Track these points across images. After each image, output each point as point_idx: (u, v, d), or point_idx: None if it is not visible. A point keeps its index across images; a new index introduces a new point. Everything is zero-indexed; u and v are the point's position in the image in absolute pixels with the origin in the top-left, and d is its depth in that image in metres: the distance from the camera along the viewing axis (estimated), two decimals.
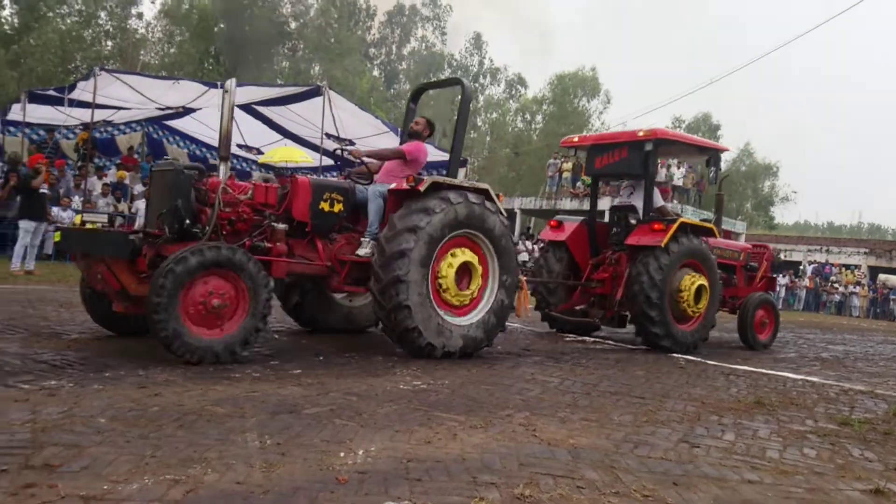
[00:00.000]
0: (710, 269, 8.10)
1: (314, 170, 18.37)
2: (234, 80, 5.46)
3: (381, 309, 5.63)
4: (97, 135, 17.69)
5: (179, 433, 3.04)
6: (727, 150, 9.70)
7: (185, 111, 17.64)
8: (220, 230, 5.25)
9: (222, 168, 5.54)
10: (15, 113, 17.25)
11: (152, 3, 37.58)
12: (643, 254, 7.74)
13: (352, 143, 18.87)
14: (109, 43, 36.39)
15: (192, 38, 36.30)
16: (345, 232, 6.00)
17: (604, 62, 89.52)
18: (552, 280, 8.71)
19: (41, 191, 11.93)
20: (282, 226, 5.54)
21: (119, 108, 16.34)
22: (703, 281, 7.89)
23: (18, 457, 2.56)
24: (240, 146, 19.79)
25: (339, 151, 6.73)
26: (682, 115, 49.25)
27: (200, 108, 17.53)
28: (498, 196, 6.30)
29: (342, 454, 2.92)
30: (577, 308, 8.68)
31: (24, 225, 11.36)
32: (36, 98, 16.21)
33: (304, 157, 18.17)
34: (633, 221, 8.52)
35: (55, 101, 15.99)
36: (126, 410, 3.35)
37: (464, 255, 5.94)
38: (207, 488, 2.39)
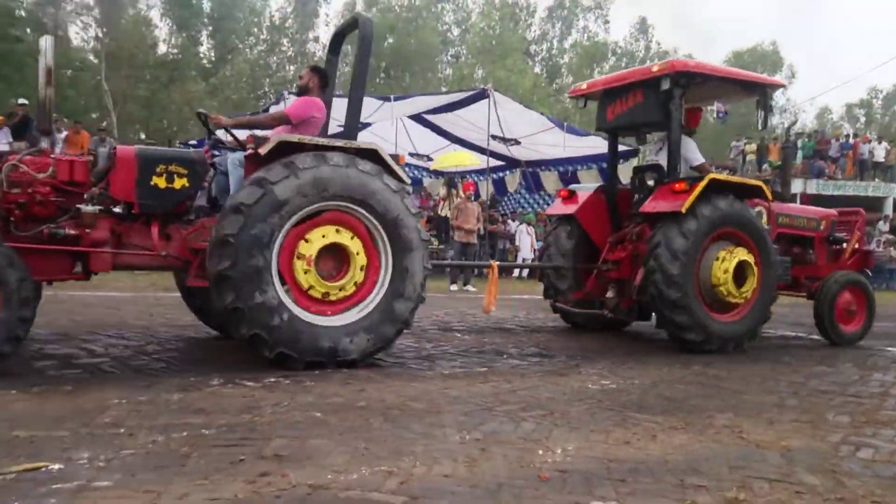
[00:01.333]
0: (760, 240, 6.25)
1: (482, 172, 18.72)
2: (49, 38, 4.41)
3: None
4: None
5: (385, 427, 3.23)
6: (781, 84, 7.84)
7: (362, 126, 18.69)
8: (8, 216, 4.37)
9: (43, 144, 4.85)
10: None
11: (326, 25, 40.23)
12: (661, 223, 6.07)
13: (517, 142, 19.03)
14: (291, 68, 39.47)
15: None
16: (205, 214, 4.94)
17: (787, 33, 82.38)
18: (550, 265, 7.14)
19: None
20: (91, 208, 4.52)
21: None
22: (746, 256, 6.09)
23: (252, 447, 2.84)
24: (412, 154, 20.64)
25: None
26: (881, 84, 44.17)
27: (374, 122, 18.52)
28: (398, 159, 5.11)
29: (540, 452, 2.94)
30: (592, 297, 6.97)
31: None
32: None
33: (473, 160, 18.53)
34: (650, 183, 6.76)
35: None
36: (336, 405, 3.62)
37: (337, 236, 4.66)
38: (418, 480, 2.51)
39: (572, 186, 7.85)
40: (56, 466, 2.51)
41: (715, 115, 7.19)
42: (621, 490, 2.55)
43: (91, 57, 33.59)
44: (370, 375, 4.44)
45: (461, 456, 2.82)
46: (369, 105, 16.88)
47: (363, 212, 4.71)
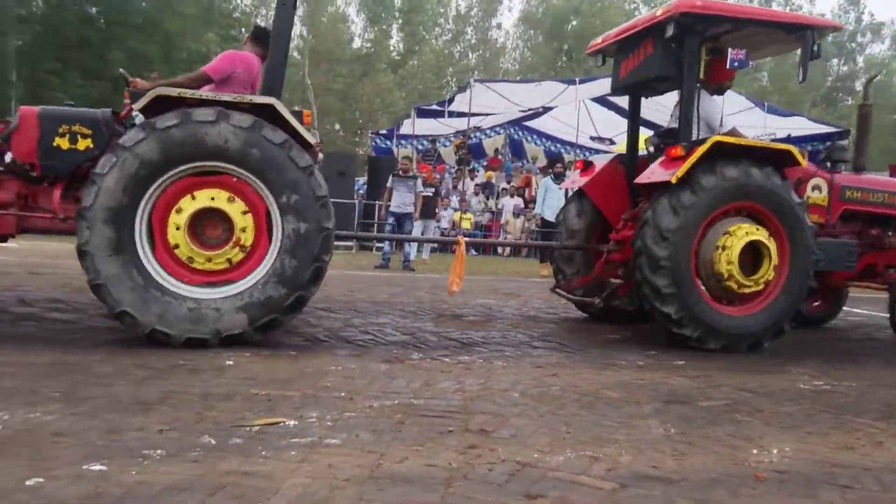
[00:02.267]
0: (789, 217, 5.16)
1: None
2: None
3: None
4: (469, 140, 19.76)
5: (583, 413, 3.23)
6: (832, 26, 5.79)
7: (544, 110, 18.69)
8: None
9: None
10: (405, 127, 20.19)
11: (509, 11, 40.45)
12: (655, 196, 5.21)
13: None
14: (473, 56, 40.26)
15: (546, 38, 38.16)
16: None
17: None
18: (550, 244, 6.39)
19: (426, 193, 13.80)
20: None
21: (487, 115, 18.01)
22: (760, 236, 5.05)
23: (457, 420, 2.98)
24: (592, 138, 20.24)
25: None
26: None
27: (556, 106, 18.40)
28: (303, 115, 4.51)
29: (754, 451, 2.79)
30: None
31: (419, 223, 13.34)
32: (422, 113, 18.75)
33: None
34: (650, 149, 5.98)
35: (436, 115, 18.31)
36: (531, 388, 3.68)
37: (214, 200, 4.20)
38: (625, 469, 2.49)
39: (595, 157, 6.96)
40: (291, 423, 2.81)
41: (729, 65, 5.39)
42: (848, 497, 2.36)
43: (295, 54, 36.53)
44: (560, 362, 4.46)
45: (667, 448, 2.76)
46: (552, 89, 16.83)
47: (243, 171, 4.20)
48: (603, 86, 16.02)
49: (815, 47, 5.24)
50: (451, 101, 17.54)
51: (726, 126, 5.58)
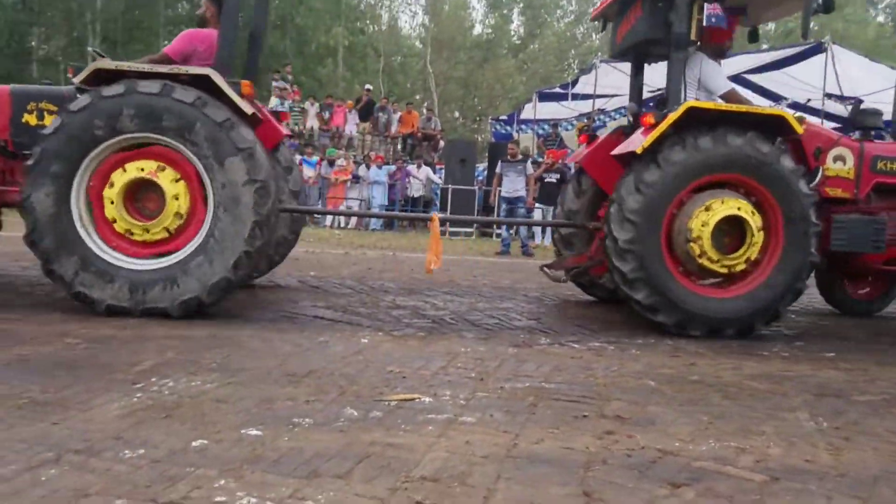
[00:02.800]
0: (780, 189, 4.67)
1: None
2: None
3: None
4: (593, 123, 19.31)
5: (725, 403, 3.09)
6: None
7: None
8: None
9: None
10: (526, 112, 20.01)
11: None
12: (626, 171, 4.89)
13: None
14: (597, 38, 39.17)
15: None
16: None
17: None
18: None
19: (550, 179, 13.64)
20: None
21: (613, 96, 17.50)
22: (741, 209, 4.59)
23: (592, 406, 2.94)
24: None
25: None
26: None
27: None
28: (242, 86, 4.50)
29: None
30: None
31: (538, 208, 13.29)
32: (544, 97, 18.49)
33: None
34: (630, 118, 5.69)
35: (559, 98, 17.99)
36: (667, 376, 3.56)
37: (141, 172, 4.21)
38: (775, 461, 2.36)
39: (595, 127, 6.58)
40: (427, 399, 2.89)
41: (705, 21, 4.91)
42: None
43: (417, 43, 37.15)
44: (699, 351, 4.29)
45: (821, 442, 2.59)
46: None
47: (173, 142, 4.23)
48: (739, 63, 15.15)
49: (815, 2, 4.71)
50: (574, 83, 17.18)
51: (721, 88, 5.07)
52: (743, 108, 4.79)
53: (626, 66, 17.06)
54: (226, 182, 4.24)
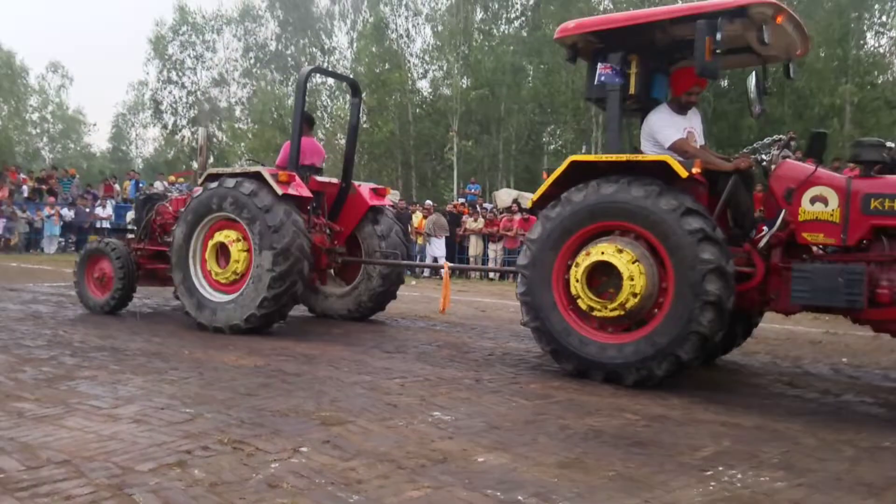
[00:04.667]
0: (660, 230, 4.53)
1: None
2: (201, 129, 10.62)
3: None
4: None
5: None
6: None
7: None
8: None
9: None
10: None
11: None
12: None
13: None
14: None
15: None
16: None
17: None
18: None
19: None
20: None
21: None
22: (605, 252, 4.67)
23: None
24: None
25: None
26: None
27: None
28: (279, 175, 6.29)
29: None
30: None
31: None
32: None
33: None
34: None
35: None
36: None
37: (224, 237, 6.45)
38: None
39: None
40: None
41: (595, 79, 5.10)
42: None
43: None
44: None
45: None
46: None
47: (237, 218, 6.33)
48: None
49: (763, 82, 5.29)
50: None
51: (669, 139, 5.09)
52: (624, 157, 4.86)
53: None
54: (259, 250, 6.17)
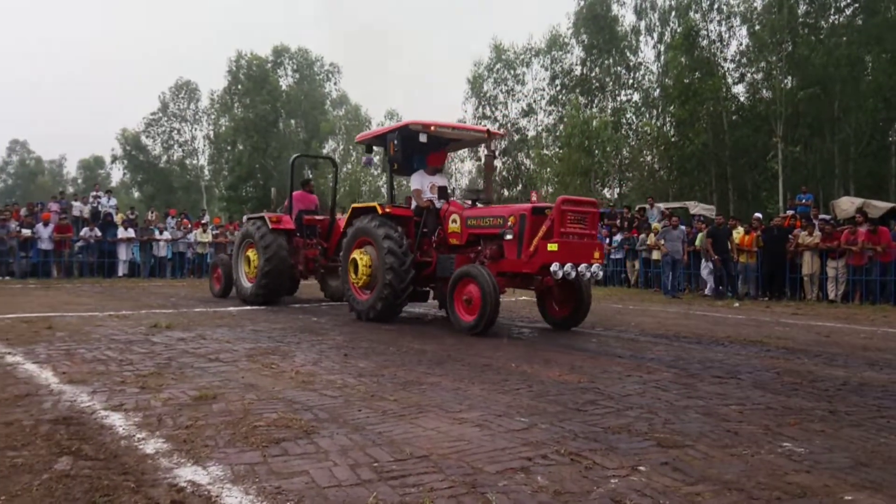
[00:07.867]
0: (377, 243, 8.95)
1: None
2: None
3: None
4: None
5: None
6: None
7: None
8: None
9: None
10: None
11: None
12: None
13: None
14: None
15: None
16: None
17: None
18: None
19: None
20: None
21: None
22: (355, 255, 9.23)
23: None
24: None
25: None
26: None
27: None
28: (272, 217, 11.37)
29: None
30: None
31: None
32: None
33: None
34: None
35: None
36: None
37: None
38: None
39: None
40: None
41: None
42: None
43: None
44: None
45: None
46: None
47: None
48: None
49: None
50: None
51: (413, 187, 9.51)
52: (372, 204, 9.19)
53: None
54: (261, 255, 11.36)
